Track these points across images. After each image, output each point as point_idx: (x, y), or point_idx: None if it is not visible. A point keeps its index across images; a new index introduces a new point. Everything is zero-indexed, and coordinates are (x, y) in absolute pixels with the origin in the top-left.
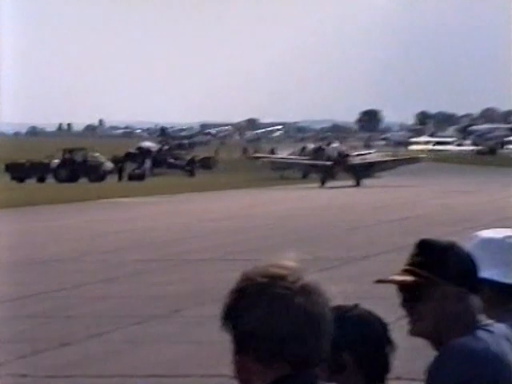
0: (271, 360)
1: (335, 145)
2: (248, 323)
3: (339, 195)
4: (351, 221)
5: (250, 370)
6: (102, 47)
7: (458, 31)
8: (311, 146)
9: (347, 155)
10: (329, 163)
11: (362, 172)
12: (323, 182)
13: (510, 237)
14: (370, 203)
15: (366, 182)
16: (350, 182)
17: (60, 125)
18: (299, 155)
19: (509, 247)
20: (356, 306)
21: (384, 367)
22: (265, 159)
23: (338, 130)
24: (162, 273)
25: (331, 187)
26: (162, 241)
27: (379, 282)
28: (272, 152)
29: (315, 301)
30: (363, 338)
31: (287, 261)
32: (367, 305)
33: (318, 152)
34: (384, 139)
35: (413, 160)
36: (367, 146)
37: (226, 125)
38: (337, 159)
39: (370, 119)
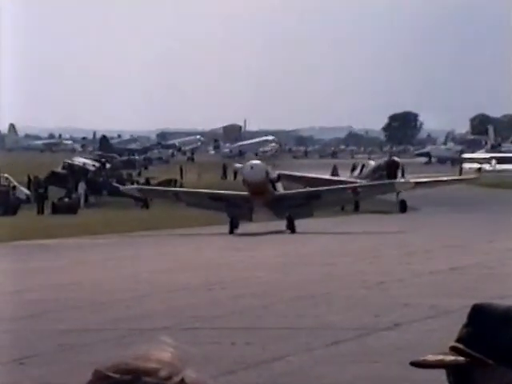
0: None
1: (255, 162)
2: None
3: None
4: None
5: None
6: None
7: None
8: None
9: (278, 178)
10: (245, 194)
11: (295, 208)
12: (233, 227)
13: None
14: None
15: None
16: (278, 226)
17: None
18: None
19: None
20: None
21: None
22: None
23: (355, 142)
24: (99, 349)
25: (248, 234)
26: (101, 301)
27: (414, 364)
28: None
29: None
30: None
31: (159, 351)
32: None
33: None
34: (423, 154)
35: (396, 186)
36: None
37: (195, 134)
38: (256, 186)
39: (402, 126)
